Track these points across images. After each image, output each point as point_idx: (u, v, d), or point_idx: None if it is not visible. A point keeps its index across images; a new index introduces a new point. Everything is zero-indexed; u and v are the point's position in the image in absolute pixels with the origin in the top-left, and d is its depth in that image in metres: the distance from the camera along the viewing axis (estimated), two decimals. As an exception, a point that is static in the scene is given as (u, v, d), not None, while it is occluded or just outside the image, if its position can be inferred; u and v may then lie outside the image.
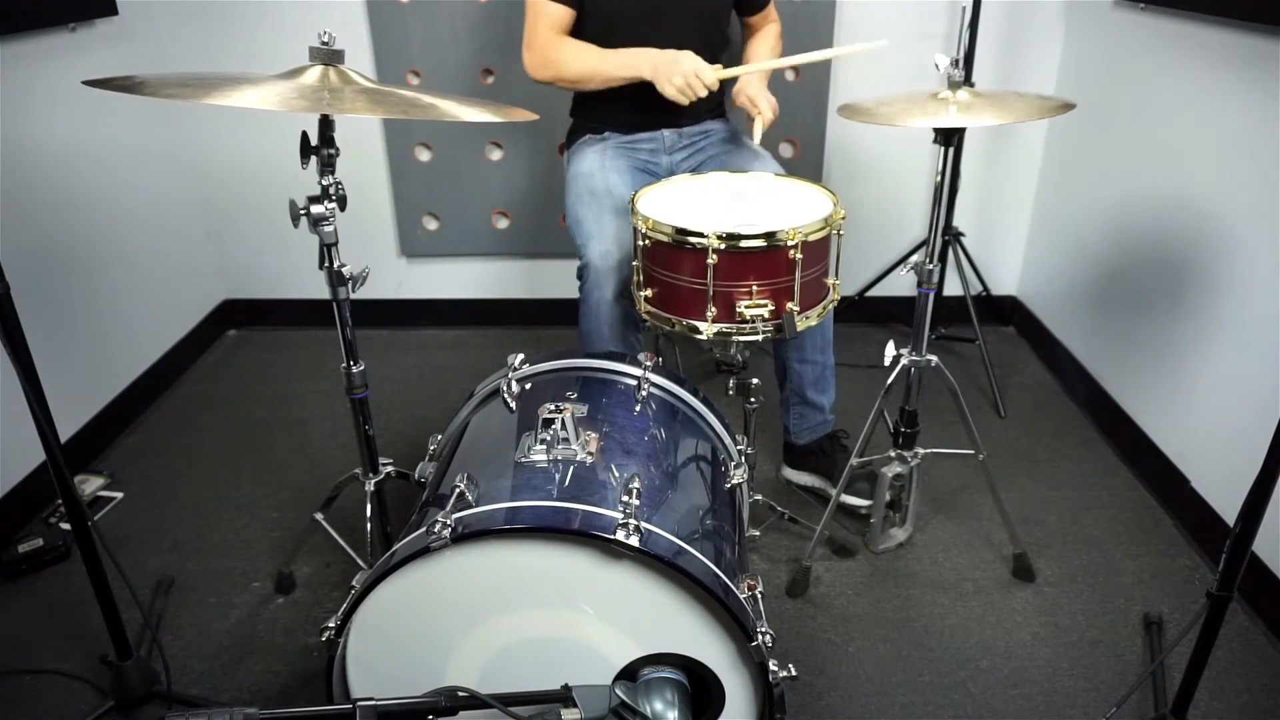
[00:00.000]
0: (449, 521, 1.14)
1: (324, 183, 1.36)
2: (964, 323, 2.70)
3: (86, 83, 1.24)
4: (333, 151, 1.36)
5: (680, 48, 2.00)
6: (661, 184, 1.85)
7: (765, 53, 2.15)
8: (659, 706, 1.10)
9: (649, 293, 1.67)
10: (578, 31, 2.05)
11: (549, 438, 1.30)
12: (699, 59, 1.84)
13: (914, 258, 1.97)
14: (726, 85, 2.15)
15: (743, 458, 1.63)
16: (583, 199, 1.99)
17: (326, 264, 1.41)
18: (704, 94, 1.84)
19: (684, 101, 1.85)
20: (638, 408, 1.50)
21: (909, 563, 1.94)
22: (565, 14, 2.00)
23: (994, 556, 1.95)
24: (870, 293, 2.94)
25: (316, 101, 1.24)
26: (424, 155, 2.79)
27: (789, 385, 2.09)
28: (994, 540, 2.00)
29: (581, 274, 1.91)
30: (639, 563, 1.15)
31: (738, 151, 2.10)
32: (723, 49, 2.19)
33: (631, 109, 2.06)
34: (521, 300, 3.03)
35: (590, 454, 1.30)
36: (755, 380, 1.80)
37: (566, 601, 1.19)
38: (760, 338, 1.60)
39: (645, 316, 1.70)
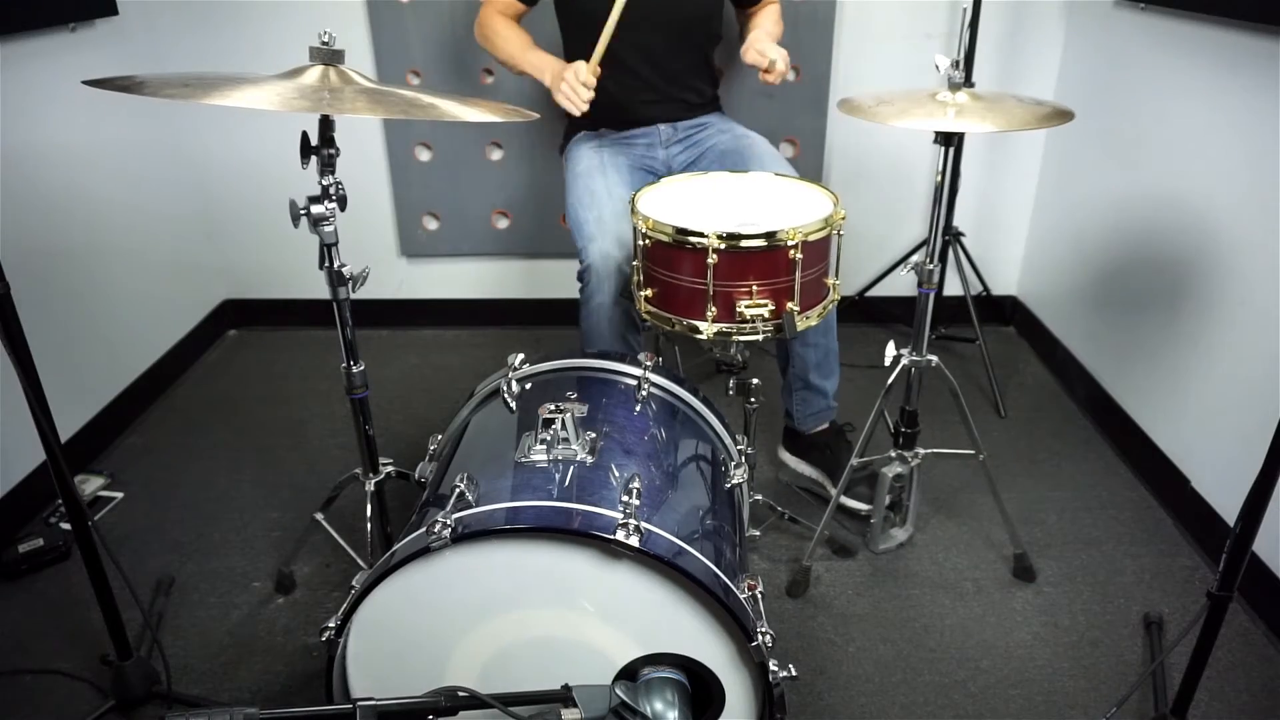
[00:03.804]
0: (449, 521, 1.14)
1: (324, 183, 1.36)
2: (964, 323, 2.70)
3: (86, 82, 1.24)
4: (333, 151, 1.35)
5: (670, 44, 2.01)
6: (661, 184, 1.85)
7: (769, 23, 2.13)
8: (659, 706, 1.10)
9: (649, 293, 1.67)
10: (566, 23, 2.11)
11: (549, 438, 1.30)
12: (577, 64, 1.88)
13: (914, 258, 1.97)
14: (726, 78, 2.15)
15: (743, 458, 1.63)
16: (583, 201, 1.99)
17: (326, 264, 1.41)
18: (588, 86, 1.86)
19: (575, 110, 1.88)
20: (638, 408, 1.50)
21: (909, 563, 1.94)
22: (512, 7, 2.13)
23: (994, 556, 1.95)
24: (870, 293, 2.94)
25: (317, 101, 1.24)
26: (424, 155, 2.79)
27: (791, 370, 2.08)
28: (994, 540, 2.00)
29: (582, 276, 1.91)
30: (639, 563, 1.15)
31: (736, 147, 2.10)
32: (714, 45, 2.19)
33: (625, 105, 2.07)
34: (521, 300, 3.03)
35: (590, 454, 1.30)
36: (755, 380, 1.80)
37: (566, 601, 1.19)
38: (760, 337, 1.59)
39: (645, 316, 1.70)
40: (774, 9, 2.21)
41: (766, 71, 1.90)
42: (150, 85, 1.21)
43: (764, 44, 1.93)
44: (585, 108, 1.88)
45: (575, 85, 1.86)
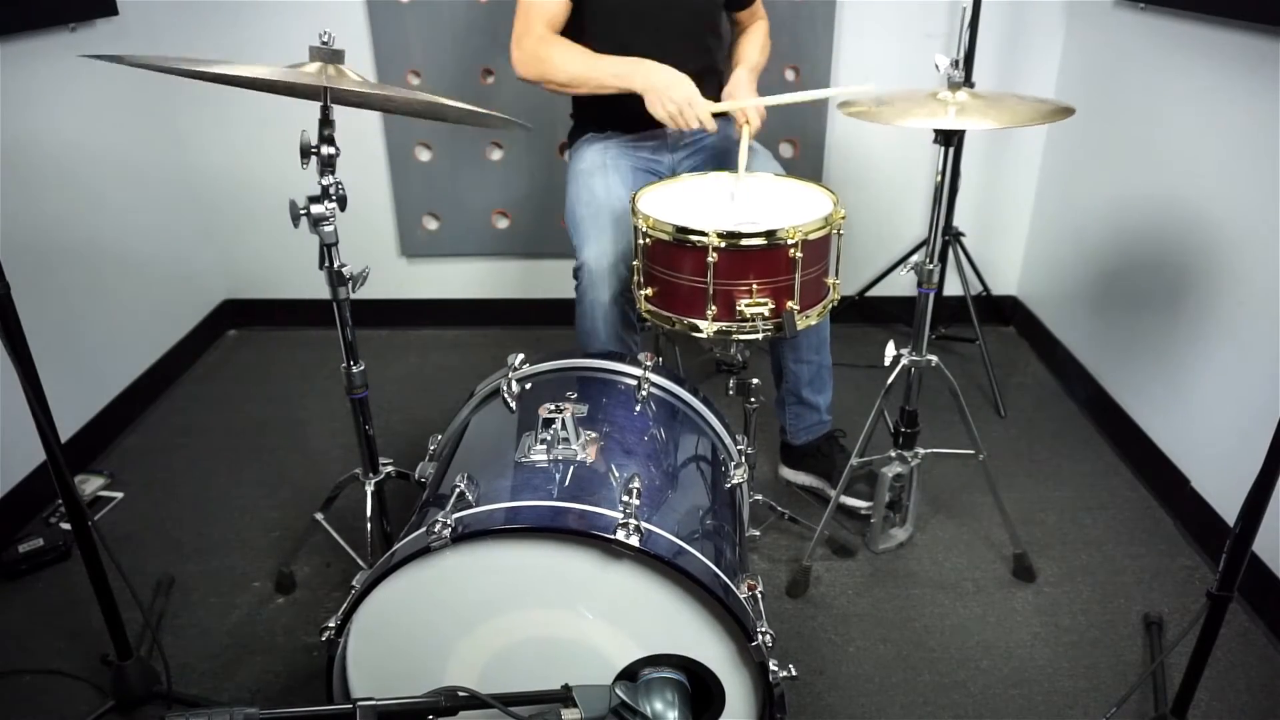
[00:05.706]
0: (449, 521, 1.14)
1: (324, 183, 1.36)
2: (964, 323, 2.70)
3: (84, 56, 1.23)
4: (333, 151, 1.36)
5: (673, 44, 1.99)
6: (662, 183, 1.85)
7: (754, 53, 2.12)
8: (659, 707, 1.09)
9: (649, 291, 1.67)
10: (566, 25, 2.02)
11: (549, 438, 1.30)
12: (694, 89, 1.80)
13: (914, 258, 1.97)
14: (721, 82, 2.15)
15: (743, 457, 1.63)
16: (581, 198, 1.98)
17: (326, 264, 1.41)
18: (694, 126, 1.80)
19: (672, 126, 1.83)
20: (638, 408, 1.49)
21: (909, 563, 1.94)
22: (560, 6, 1.94)
23: (994, 556, 1.95)
24: (870, 293, 2.94)
25: (318, 79, 1.24)
26: (424, 155, 2.79)
27: (785, 385, 2.09)
28: (994, 540, 2.00)
29: (577, 274, 1.90)
30: (639, 563, 1.15)
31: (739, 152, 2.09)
32: (718, 46, 2.18)
33: (634, 108, 2.06)
34: (521, 300, 3.03)
35: (590, 454, 1.30)
36: (755, 380, 1.80)
37: (566, 602, 1.19)
38: (760, 336, 1.59)
39: (645, 315, 1.70)
40: (762, 27, 2.19)
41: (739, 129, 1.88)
42: (148, 60, 1.21)
43: (743, 94, 1.90)
44: (695, 125, 1.81)
45: (689, 114, 1.79)
